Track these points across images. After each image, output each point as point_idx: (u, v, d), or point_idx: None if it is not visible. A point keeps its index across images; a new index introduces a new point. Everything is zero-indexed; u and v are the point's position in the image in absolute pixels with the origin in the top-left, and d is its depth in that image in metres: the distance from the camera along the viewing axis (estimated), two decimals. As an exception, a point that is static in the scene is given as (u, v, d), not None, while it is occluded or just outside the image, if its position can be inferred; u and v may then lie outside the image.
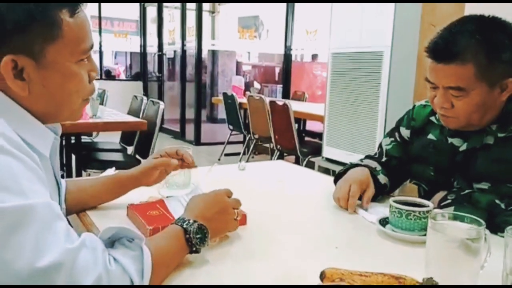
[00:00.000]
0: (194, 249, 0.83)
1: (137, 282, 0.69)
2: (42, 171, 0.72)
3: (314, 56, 8.61)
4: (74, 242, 0.66)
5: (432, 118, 1.29)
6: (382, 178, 1.31)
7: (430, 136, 1.28)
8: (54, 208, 0.68)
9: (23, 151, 0.69)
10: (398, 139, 1.37)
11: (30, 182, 0.67)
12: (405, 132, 1.36)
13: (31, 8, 0.71)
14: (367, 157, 1.44)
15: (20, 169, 0.67)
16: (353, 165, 1.35)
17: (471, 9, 1.27)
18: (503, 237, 0.75)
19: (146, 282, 0.71)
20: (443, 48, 1.08)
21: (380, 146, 1.43)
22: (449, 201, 1.14)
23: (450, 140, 1.23)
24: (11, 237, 0.62)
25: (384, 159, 1.38)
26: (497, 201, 1.07)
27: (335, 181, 1.34)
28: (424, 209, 1.03)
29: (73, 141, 3.30)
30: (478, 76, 1.05)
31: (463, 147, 1.20)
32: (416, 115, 1.34)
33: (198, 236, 0.83)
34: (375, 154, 1.43)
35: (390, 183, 1.33)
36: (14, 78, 0.73)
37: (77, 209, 1.11)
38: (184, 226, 0.84)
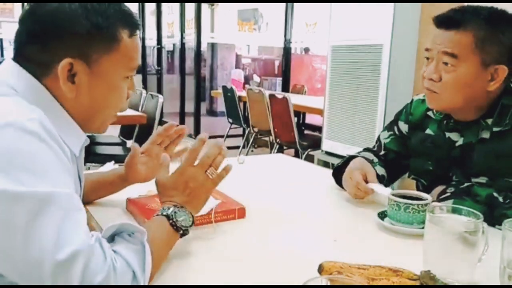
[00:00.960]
0: (181, 232, 0.85)
1: (139, 276, 0.70)
2: (71, 166, 0.76)
3: (306, 50, 8.59)
4: (92, 238, 0.68)
5: (430, 113, 1.29)
6: (379, 170, 1.31)
7: (428, 131, 1.28)
8: (77, 200, 0.70)
9: (57, 142, 0.72)
10: (396, 133, 1.38)
11: (57, 172, 0.69)
12: (403, 127, 1.36)
13: (99, 20, 0.79)
14: (365, 149, 1.45)
15: (51, 158, 0.69)
16: (351, 157, 1.35)
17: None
18: (500, 230, 0.75)
19: (147, 276, 0.72)
20: (448, 16, 1.12)
21: (379, 139, 1.43)
22: (448, 194, 1.14)
23: (447, 134, 1.23)
24: (32, 224, 0.63)
25: (382, 152, 1.38)
26: (495, 194, 1.08)
27: (334, 175, 1.35)
28: (423, 202, 1.03)
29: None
30: (474, 47, 1.08)
31: (460, 141, 1.20)
32: (414, 110, 1.34)
33: (181, 218, 0.85)
34: (373, 147, 1.44)
35: (387, 176, 1.33)
36: (67, 80, 0.79)
37: None
38: (165, 213, 0.85)
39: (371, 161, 1.31)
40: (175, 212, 0.85)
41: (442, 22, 1.12)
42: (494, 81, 1.10)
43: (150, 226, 0.81)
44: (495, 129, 1.13)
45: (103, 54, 0.81)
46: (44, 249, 0.63)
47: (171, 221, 0.84)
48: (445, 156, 1.23)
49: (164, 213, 0.85)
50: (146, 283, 0.72)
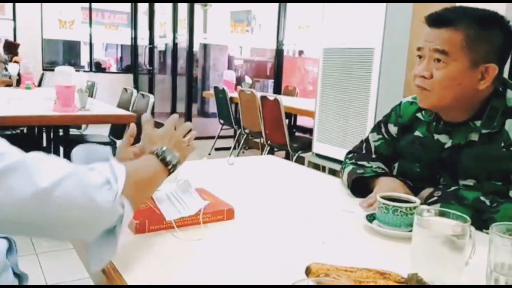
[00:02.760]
0: (170, 167, 0.91)
1: (112, 182, 0.75)
2: None
3: (300, 52, 8.62)
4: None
5: (419, 115, 1.29)
6: None
7: (417, 133, 1.28)
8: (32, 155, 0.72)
9: None
10: (386, 136, 1.38)
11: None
12: (393, 129, 1.36)
13: None
14: (356, 153, 1.44)
15: None
16: (380, 174, 1.29)
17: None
18: (487, 233, 0.75)
19: (120, 184, 0.76)
20: (440, 14, 1.13)
21: (368, 141, 1.43)
22: (435, 198, 1.14)
23: (436, 136, 1.23)
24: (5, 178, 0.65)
25: (373, 156, 1.39)
26: (482, 198, 1.08)
27: (353, 190, 1.31)
28: (411, 205, 1.03)
29: (61, 134, 3.27)
30: (464, 46, 1.09)
31: (449, 143, 1.20)
32: (403, 112, 1.34)
33: (169, 156, 0.92)
34: (361, 149, 1.44)
35: None
36: None
37: None
38: (153, 151, 0.92)
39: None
40: (163, 151, 0.92)
41: (434, 20, 1.13)
42: (484, 80, 1.11)
43: (136, 163, 0.89)
44: (483, 131, 1.14)
45: None
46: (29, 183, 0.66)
47: (160, 158, 0.90)
48: (433, 158, 1.23)
49: (153, 151, 0.91)
50: (120, 192, 0.75)
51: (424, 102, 1.19)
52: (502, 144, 1.11)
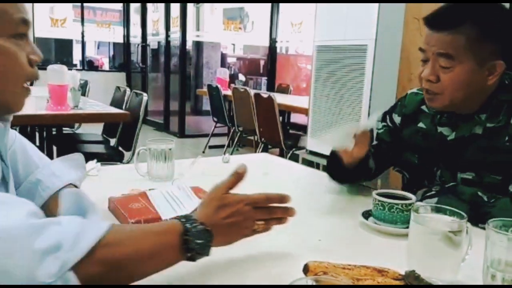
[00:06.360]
0: (189, 254, 0.71)
1: (67, 247, 0.57)
2: None
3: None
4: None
5: (423, 107, 1.28)
6: (371, 163, 1.30)
7: (420, 125, 1.27)
8: None
9: None
10: (390, 124, 1.37)
11: None
12: (397, 119, 1.35)
13: None
14: None
15: None
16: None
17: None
18: (484, 229, 0.75)
19: (79, 251, 0.58)
20: (439, 18, 1.11)
21: (371, 130, 1.42)
22: (433, 192, 1.14)
23: (439, 129, 1.22)
24: None
25: (374, 142, 1.38)
26: (479, 193, 1.08)
27: (328, 171, 1.32)
28: (407, 201, 1.03)
29: (54, 133, 3.25)
30: (468, 48, 1.07)
31: (452, 136, 1.19)
32: (408, 102, 1.33)
33: (199, 241, 0.71)
34: None
35: (375, 166, 1.32)
36: None
37: None
38: (187, 224, 0.71)
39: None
40: (197, 229, 0.70)
41: (434, 23, 1.11)
42: (492, 76, 1.10)
43: (144, 227, 0.70)
44: (488, 124, 1.13)
45: None
46: None
47: (185, 236, 0.69)
48: (433, 150, 1.23)
49: (183, 220, 0.71)
50: (72, 263, 0.57)
51: (435, 104, 1.16)
52: (507, 138, 1.10)
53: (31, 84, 0.80)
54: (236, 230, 0.80)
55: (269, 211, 0.85)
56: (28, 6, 0.78)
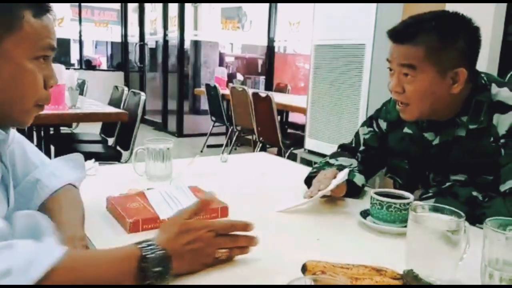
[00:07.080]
0: (147, 282, 0.68)
1: (18, 273, 0.56)
2: None
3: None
4: None
5: None
6: (359, 180, 1.28)
7: (406, 130, 1.29)
8: None
9: None
10: (376, 130, 1.38)
11: None
12: (383, 124, 1.37)
13: None
14: (342, 148, 1.45)
15: None
16: (324, 165, 1.34)
17: (451, 8, 1.29)
18: (481, 228, 0.75)
19: (29, 278, 0.57)
20: (399, 31, 1.14)
21: (357, 134, 1.44)
22: (430, 194, 1.15)
23: (424, 134, 1.24)
24: None
25: (361, 148, 1.39)
26: (474, 194, 1.09)
27: (306, 182, 1.32)
28: (405, 201, 1.04)
29: (52, 132, 3.24)
30: (428, 58, 1.09)
31: (436, 141, 1.21)
32: (392, 108, 1.34)
33: (156, 269, 0.69)
34: (351, 142, 1.45)
35: (365, 174, 1.32)
36: None
37: None
38: (146, 250, 0.69)
39: (350, 169, 1.27)
40: (156, 255, 0.69)
41: (395, 37, 1.14)
42: (456, 84, 1.12)
43: (102, 252, 0.69)
44: (471, 126, 1.14)
45: (4, 33, 0.73)
46: None
47: (143, 263, 0.67)
48: (421, 155, 1.24)
49: (143, 246, 0.69)
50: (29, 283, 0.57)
51: (406, 116, 1.19)
52: (492, 139, 1.12)
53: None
54: (197, 257, 0.77)
55: (232, 239, 0.82)
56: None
